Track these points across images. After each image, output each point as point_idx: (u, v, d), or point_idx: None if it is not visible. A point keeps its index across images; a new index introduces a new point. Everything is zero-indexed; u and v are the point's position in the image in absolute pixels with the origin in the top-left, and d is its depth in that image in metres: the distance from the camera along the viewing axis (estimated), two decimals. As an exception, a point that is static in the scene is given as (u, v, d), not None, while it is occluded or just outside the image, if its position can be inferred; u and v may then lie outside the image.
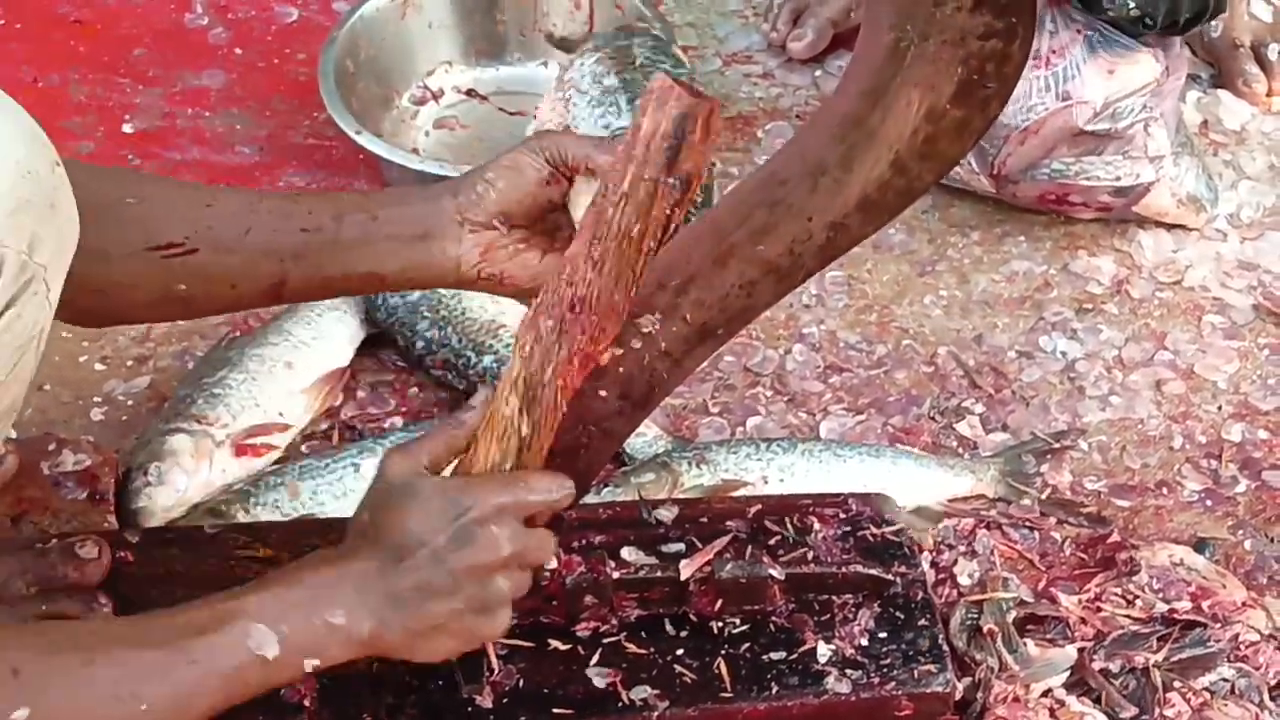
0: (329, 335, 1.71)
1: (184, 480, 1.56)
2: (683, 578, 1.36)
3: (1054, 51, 1.79)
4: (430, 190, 1.29)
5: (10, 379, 1.25)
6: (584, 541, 1.37)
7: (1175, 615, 1.47)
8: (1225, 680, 1.42)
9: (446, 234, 1.26)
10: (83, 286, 1.22)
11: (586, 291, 1.11)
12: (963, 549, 1.57)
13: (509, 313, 1.71)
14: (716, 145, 1.10)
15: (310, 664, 1.11)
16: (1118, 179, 1.84)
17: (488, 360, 1.68)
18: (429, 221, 1.26)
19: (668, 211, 1.09)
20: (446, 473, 1.19)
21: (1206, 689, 1.42)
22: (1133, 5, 1.76)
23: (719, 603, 1.38)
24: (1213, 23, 2.08)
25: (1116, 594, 1.50)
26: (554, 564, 1.32)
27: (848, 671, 1.36)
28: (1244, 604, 1.49)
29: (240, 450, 1.60)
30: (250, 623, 1.08)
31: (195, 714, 1.07)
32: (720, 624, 1.38)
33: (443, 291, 1.71)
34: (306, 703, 1.29)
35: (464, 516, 1.13)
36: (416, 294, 1.71)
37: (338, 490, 1.56)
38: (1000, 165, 1.85)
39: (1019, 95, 1.77)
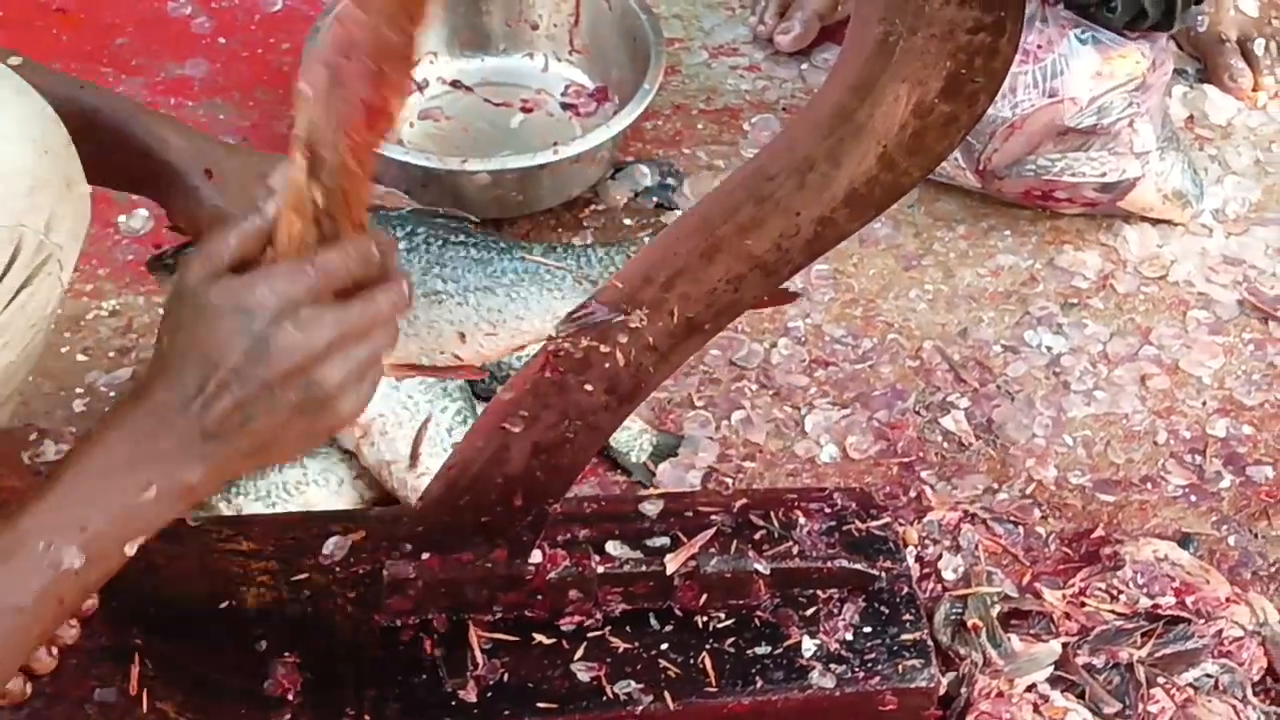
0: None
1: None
2: (668, 572, 1.36)
3: (1041, 46, 1.78)
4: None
5: (21, 358, 1.26)
6: (569, 536, 1.37)
7: (1159, 610, 1.47)
8: (1209, 676, 1.43)
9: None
10: None
11: (361, 35, 0.98)
12: (947, 544, 1.57)
13: None
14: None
15: (132, 546, 1.01)
16: (1103, 175, 1.84)
17: None
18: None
19: None
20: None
21: (1190, 684, 1.42)
22: None
23: (704, 597, 1.38)
24: (1198, 17, 2.09)
25: (1101, 589, 1.50)
26: (395, 301, 1.09)
27: (832, 666, 1.36)
28: (1228, 599, 1.49)
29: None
30: (42, 541, 0.98)
31: (16, 654, 1.01)
32: (705, 618, 1.38)
33: None
34: (290, 696, 1.29)
35: (255, 321, 0.99)
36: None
37: (319, 479, 1.56)
38: (986, 160, 1.84)
39: (1006, 90, 1.77)
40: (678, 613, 1.38)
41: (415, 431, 1.53)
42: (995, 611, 1.47)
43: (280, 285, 1.00)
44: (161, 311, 1.05)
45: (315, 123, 0.99)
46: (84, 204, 1.25)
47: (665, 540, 1.39)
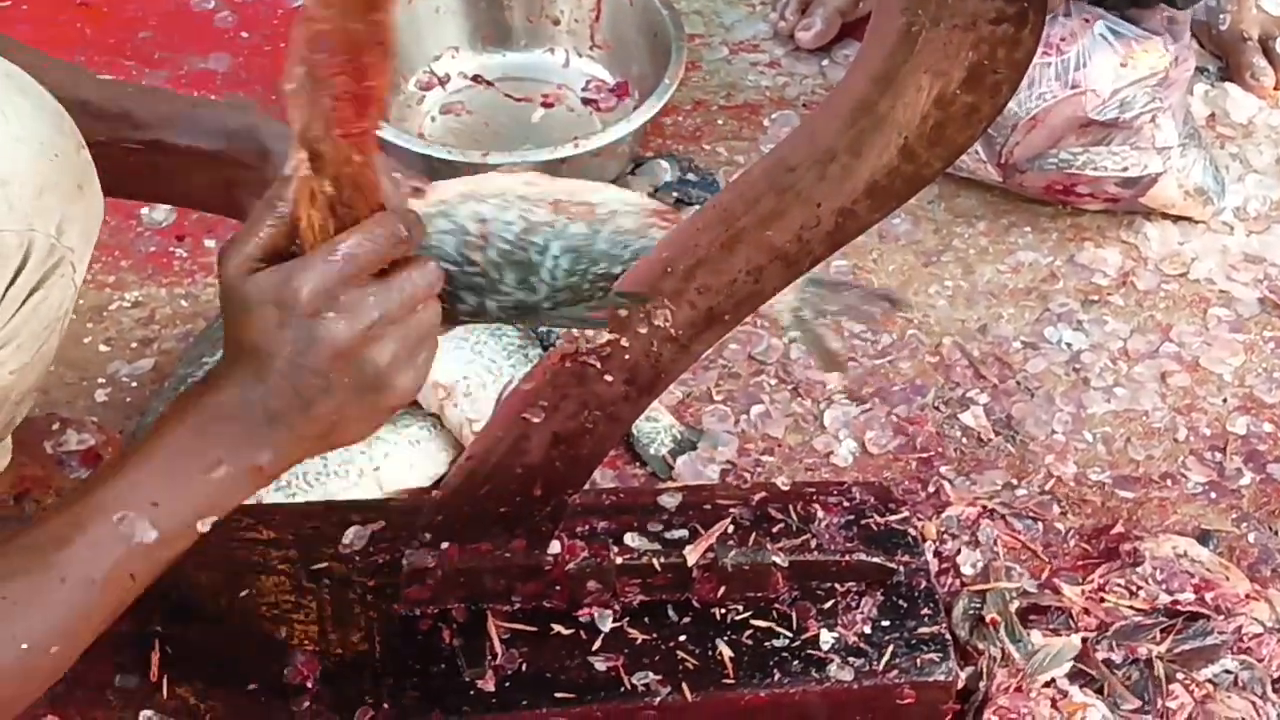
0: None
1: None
2: (689, 563, 1.36)
3: (1063, 39, 1.78)
4: (243, 166, 1.27)
5: (35, 359, 1.26)
6: (587, 527, 1.37)
7: (1178, 607, 1.47)
8: (1228, 672, 1.42)
9: (244, 205, 1.23)
10: None
11: (328, 29, 0.97)
12: (966, 538, 1.57)
13: None
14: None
15: (205, 523, 1.04)
16: (1125, 170, 1.84)
17: None
18: (234, 190, 1.27)
19: None
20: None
21: (1209, 681, 1.41)
22: None
23: (722, 589, 1.38)
24: (1220, 15, 2.08)
25: (1120, 585, 1.49)
26: (430, 278, 1.11)
27: (850, 659, 1.35)
28: (1247, 596, 1.48)
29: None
30: (113, 514, 1.00)
31: (88, 629, 1.01)
32: (723, 610, 1.38)
33: None
34: (309, 684, 1.29)
35: (298, 311, 1.01)
36: None
37: (339, 470, 1.56)
38: (1008, 154, 1.84)
39: (1027, 83, 1.77)
40: (696, 604, 1.38)
41: (498, 392, 1.57)
42: (1014, 606, 1.47)
43: (313, 275, 1.02)
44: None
45: (306, 121, 0.99)
46: (96, 205, 1.25)
47: (684, 532, 1.39)
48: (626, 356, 1.19)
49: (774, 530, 1.41)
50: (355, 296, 1.03)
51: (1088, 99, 1.78)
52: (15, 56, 1.23)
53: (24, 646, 0.98)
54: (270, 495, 1.54)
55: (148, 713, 1.28)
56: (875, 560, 1.41)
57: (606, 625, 1.35)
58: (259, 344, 1.03)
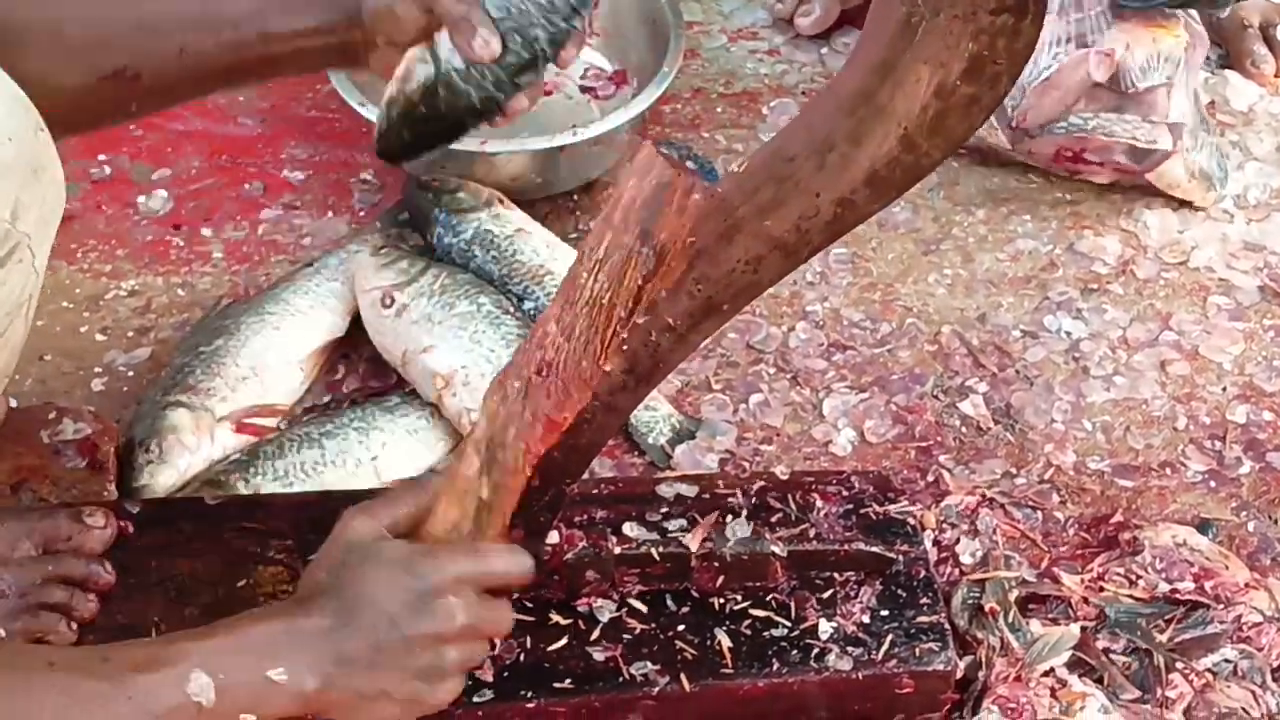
0: (326, 306, 1.70)
1: (186, 458, 1.55)
2: (691, 550, 1.36)
3: (1080, 20, 1.78)
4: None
5: None
6: (586, 517, 1.37)
7: (1178, 596, 1.47)
8: (1228, 661, 1.42)
9: (364, 62, 1.34)
10: (48, 118, 1.22)
11: (555, 356, 1.11)
12: (965, 528, 1.56)
13: (560, 259, 1.73)
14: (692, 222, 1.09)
15: (246, 718, 1.10)
16: (1134, 137, 1.83)
17: (527, 306, 1.70)
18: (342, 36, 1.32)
19: (639, 281, 1.08)
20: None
21: (1209, 670, 1.41)
22: None
23: (721, 579, 1.38)
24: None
25: (1119, 574, 1.49)
26: (508, 626, 1.26)
27: (849, 649, 1.35)
28: (1247, 585, 1.48)
29: (241, 429, 1.60)
30: (190, 668, 1.08)
31: None
32: (722, 600, 1.38)
33: (496, 233, 1.75)
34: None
35: (423, 584, 1.14)
36: (470, 232, 1.74)
37: (336, 460, 1.56)
38: (1019, 118, 1.83)
39: (1040, 48, 1.76)
40: (695, 594, 1.37)
41: None
42: (1013, 596, 1.47)
43: (455, 563, 1.15)
44: (322, 550, 1.18)
45: (501, 426, 1.12)
46: (55, 190, 1.24)
47: (682, 522, 1.39)
48: (625, 346, 1.19)
49: (773, 520, 1.41)
50: (472, 599, 1.15)
51: (1098, 60, 1.77)
52: None
53: None
54: (267, 485, 1.54)
55: (146, 703, 1.28)
56: (874, 549, 1.41)
57: (605, 615, 1.35)
58: (371, 593, 1.13)
